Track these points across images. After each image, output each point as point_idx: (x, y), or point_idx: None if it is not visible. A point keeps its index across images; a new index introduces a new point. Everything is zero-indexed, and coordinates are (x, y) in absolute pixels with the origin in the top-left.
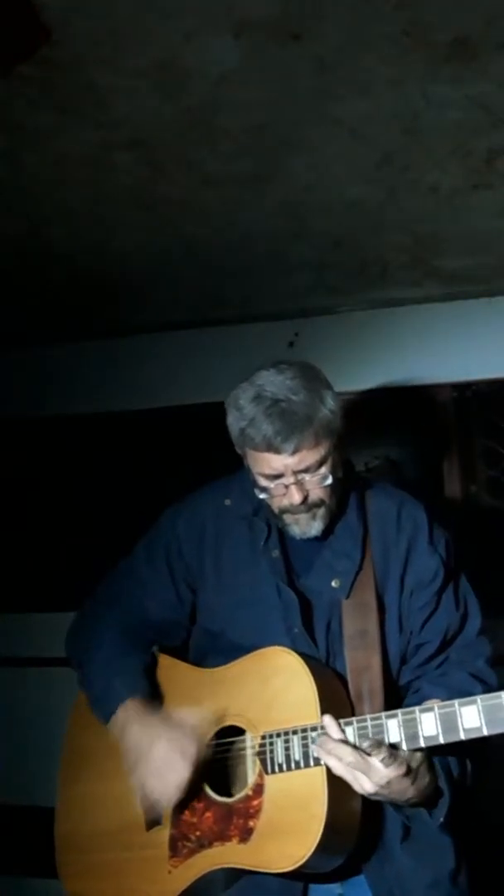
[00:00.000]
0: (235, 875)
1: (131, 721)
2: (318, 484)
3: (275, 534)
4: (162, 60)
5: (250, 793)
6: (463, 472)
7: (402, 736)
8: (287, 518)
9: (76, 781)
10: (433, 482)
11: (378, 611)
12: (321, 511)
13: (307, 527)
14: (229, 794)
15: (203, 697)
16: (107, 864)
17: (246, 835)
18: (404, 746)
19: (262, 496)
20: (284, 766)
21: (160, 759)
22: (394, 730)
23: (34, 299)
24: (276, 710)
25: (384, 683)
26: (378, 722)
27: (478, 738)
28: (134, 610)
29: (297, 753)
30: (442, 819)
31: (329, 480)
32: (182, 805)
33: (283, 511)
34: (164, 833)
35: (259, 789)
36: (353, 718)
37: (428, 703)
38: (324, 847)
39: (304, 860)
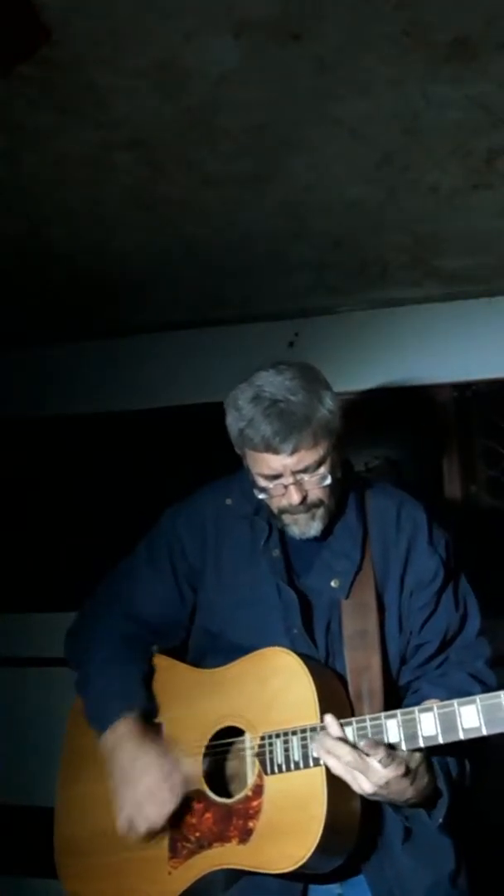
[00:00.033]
0: (235, 876)
1: (123, 742)
2: (317, 484)
3: (275, 534)
4: (162, 60)
5: (250, 793)
6: (463, 472)
7: (402, 736)
8: (286, 518)
9: (76, 782)
10: (433, 482)
11: (378, 611)
12: (320, 511)
13: (306, 527)
14: (229, 795)
15: (202, 698)
16: (107, 865)
17: (245, 835)
18: (403, 747)
19: (261, 496)
20: (284, 767)
21: (146, 791)
22: (393, 730)
23: (34, 299)
24: (275, 711)
25: (384, 684)
26: (377, 722)
27: (477, 738)
28: (134, 611)
29: (296, 754)
30: (441, 820)
31: (328, 480)
32: (182, 807)
33: (283, 511)
34: (163, 834)
35: (258, 790)
36: (353, 719)
37: (427, 704)
38: (323, 847)
39: (303, 861)
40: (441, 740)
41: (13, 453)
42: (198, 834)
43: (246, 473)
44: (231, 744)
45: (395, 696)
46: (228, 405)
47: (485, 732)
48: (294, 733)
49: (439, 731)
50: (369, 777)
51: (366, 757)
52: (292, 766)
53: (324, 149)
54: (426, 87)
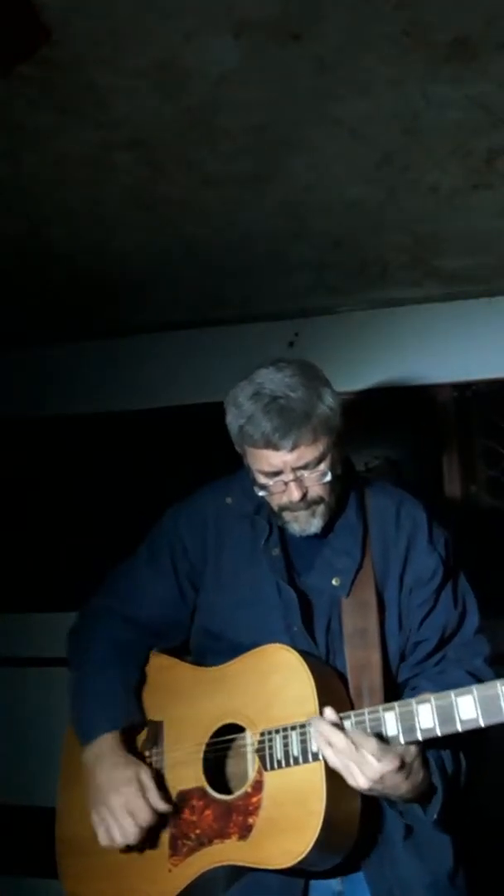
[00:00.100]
0: (236, 873)
1: (100, 760)
2: (317, 481)
3: (276, 532)
4: (162, 60)
5: (249, 790)
6: (463, 472)
7: (400, 729)
8: (286, 515)
9: (76, 783)
10: (433, 482)
11: (378, 609)
12: (320, 508)
13: (306, 524)
14: (230, 793)
15: (203, 696)
16: (107, 865)
17: (245, 832)
18: (402, 739)
19: (261, 494)
20: (283, 763)
21: (119, 807)
22: (391, 722)
23: (34, 299)
24: (275, 707)
25: (384, 681)
26: (375, 715)
27: (475, 730)
28: (133, 612)
29: (295, 749)
30: (436, 816)
31: (328, 477)
32: (182, 804)
33: (283, 508)
34: (163, 832)
35: (258, 786)
36: (351, 712)
37: (424, 695)
38: (322, 843)
39: (302, 856)
40: (439, 732)
41: (13, 453)
42: (198, 831)
43: (246, 473)
44: (232, 741)
45: (395, 694)
46: (228, 403)
47: (482, 724)
48: (293, 728)
49: (437, 722)
50: (364, 771)
51: (360, 748)
52: (291, 761)
53: (324, 149)
54: (426, 87)
